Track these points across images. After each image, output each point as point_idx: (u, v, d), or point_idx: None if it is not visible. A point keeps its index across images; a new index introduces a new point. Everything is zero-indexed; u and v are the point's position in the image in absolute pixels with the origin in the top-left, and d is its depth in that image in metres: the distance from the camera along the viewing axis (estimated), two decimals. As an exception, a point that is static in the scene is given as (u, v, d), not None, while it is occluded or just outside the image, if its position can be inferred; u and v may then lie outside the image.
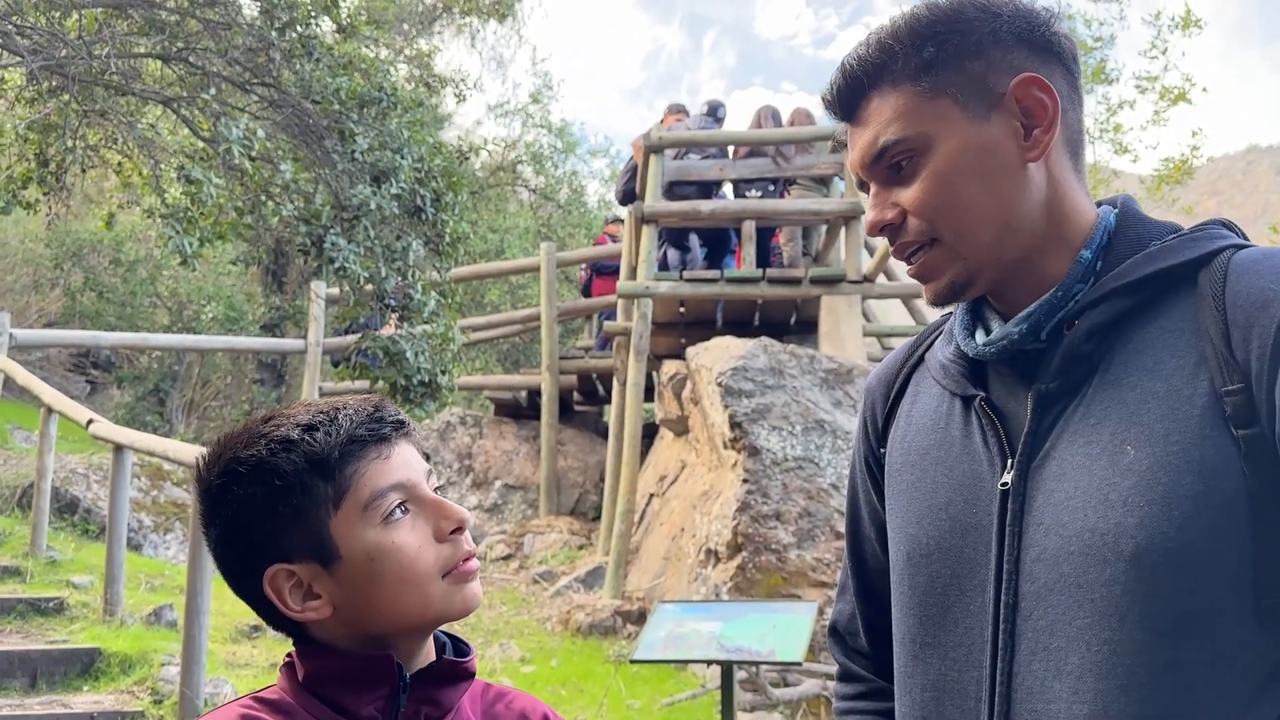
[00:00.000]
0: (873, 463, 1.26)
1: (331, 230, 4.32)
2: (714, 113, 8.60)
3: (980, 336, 1.13)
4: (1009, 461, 1.06)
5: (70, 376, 12.18)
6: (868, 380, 1.33)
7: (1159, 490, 0.94)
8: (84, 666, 5.22)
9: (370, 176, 4.41)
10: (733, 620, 3.72)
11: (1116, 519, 0.95)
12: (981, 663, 1.05)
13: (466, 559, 1.07)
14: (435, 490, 1.10)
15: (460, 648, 1.14)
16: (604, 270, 10.58)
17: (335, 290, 9.73)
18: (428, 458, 1.14)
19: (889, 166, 1.06)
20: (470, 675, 1.11)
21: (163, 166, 4.68)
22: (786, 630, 3.59)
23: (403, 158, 4.45)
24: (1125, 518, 0.95)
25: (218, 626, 5.84)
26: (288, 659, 1.10)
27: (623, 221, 10.69)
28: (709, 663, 3.82)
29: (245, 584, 1.08)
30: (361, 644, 1.06)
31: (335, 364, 10.32)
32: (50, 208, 5.25)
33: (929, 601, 1.10)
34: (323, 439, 1.04)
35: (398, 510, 1.04)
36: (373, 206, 4.36)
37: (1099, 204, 1.13)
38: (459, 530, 1.06)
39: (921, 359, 1.25)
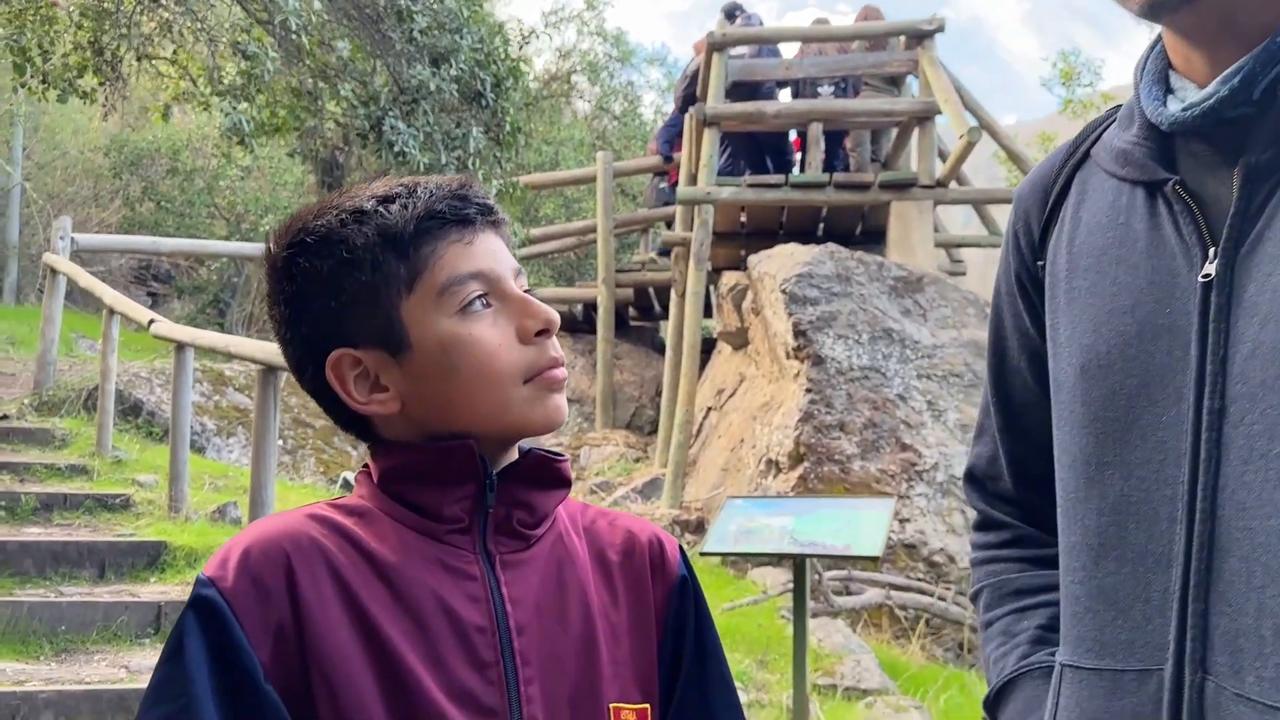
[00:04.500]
0: (1025, 280, 1.10)
1: (390, 113, 4.18)
2: (731, 17, 8.20)
3: (1174, 105, 0.96)
4: (1211, 251, 0.89)
5: (132, 289, 12.31)
6: (1018, 189, 1.16)
7: None
8: (150, 559, 5.28)
9: (429, 58, 4.24)
10: (805, 515, 3.59)
11: None
12: (1176, 479, 0.89)
13: (552, 366, 0.95)
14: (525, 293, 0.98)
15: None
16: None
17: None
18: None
19: None
20: (566, 482, 0.99)
21: (220, 47, 4.54)
22: (863, 526, 3.46)
23: (461, 38, 4.27)
24: None
25: (280, 525, 5.86)
26: (364, 466, 0.98)
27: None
28: (781, 557, 3.71)
29: (309, 373, 0.97)
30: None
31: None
32: (106, 98, 5.17)
33: (1109, 416, 0.94)
34: (398, 212, 0.93)
35: (477, 302, 0.93)
36: (432, 89, 4.19)
37: None
38: (545, 333, 0.95)
39: (1086, 155, 1.08)
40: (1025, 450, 1.12)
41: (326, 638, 0.87)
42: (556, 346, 0.97)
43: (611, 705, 0.96)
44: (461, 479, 0.93)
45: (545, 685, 0.93)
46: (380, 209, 0.93)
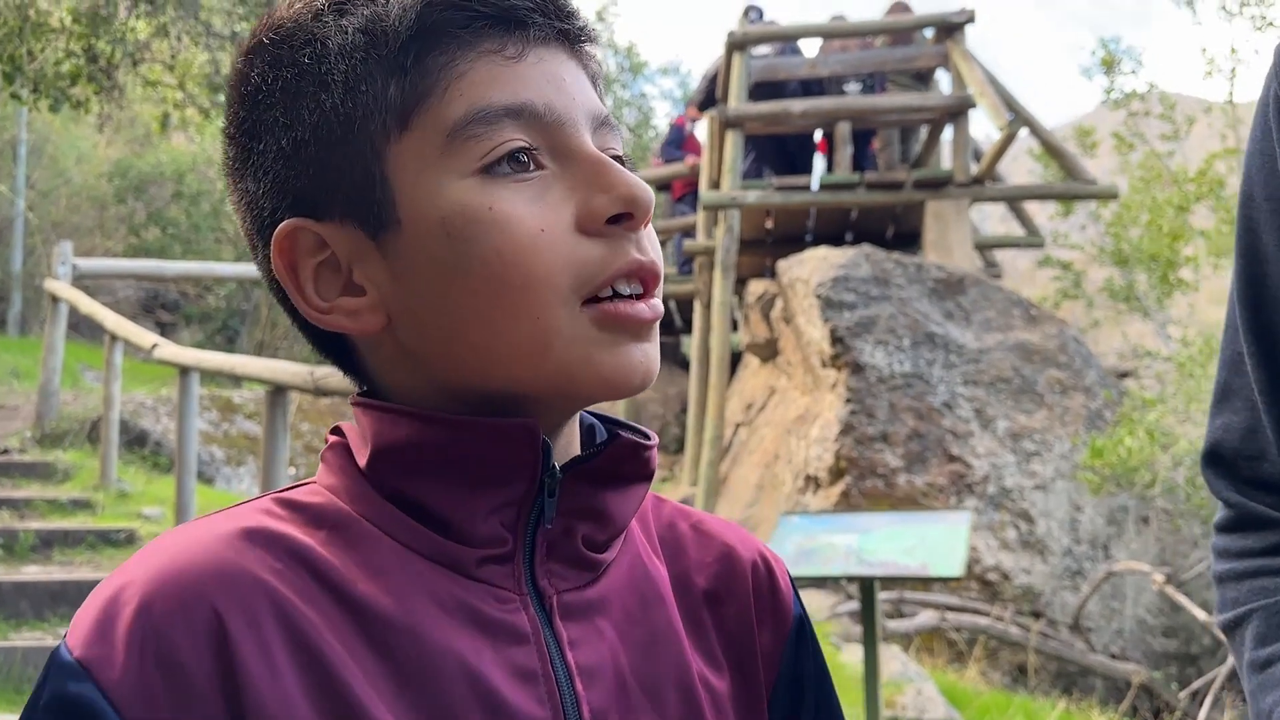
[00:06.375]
0: None
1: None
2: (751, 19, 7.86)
3: None
4: None
5: (140, 318, 12.08)
6: None
7: None
8: (156, 597, 4.96)
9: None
10: (872, 533, 3.24)
11: None
12: None
13: (634, 275, 0.56)
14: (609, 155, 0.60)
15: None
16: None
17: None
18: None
19: None
20: (650, 475, 0.62)
21: (219, 42, 4.27)
22: (938, 542, 3.10)
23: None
24: None
25: (293, 557, 5.55)
26: (334, 435, 0.61)
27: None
28: (849, 579, 3.34)
29: (260, 254, 0.61)
30: (443, 403, 0.58)
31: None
32: (102, 108, 4.90)
33: None
34: None
35: (511, 160, 0.55)
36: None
37: None
38: (628, 220, 0.56)
39: None
40: None
41: None
42: (648, 246, 0.58)
43: None
44: (505, 475, 0.57)
45: None
46: None
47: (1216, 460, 0.90)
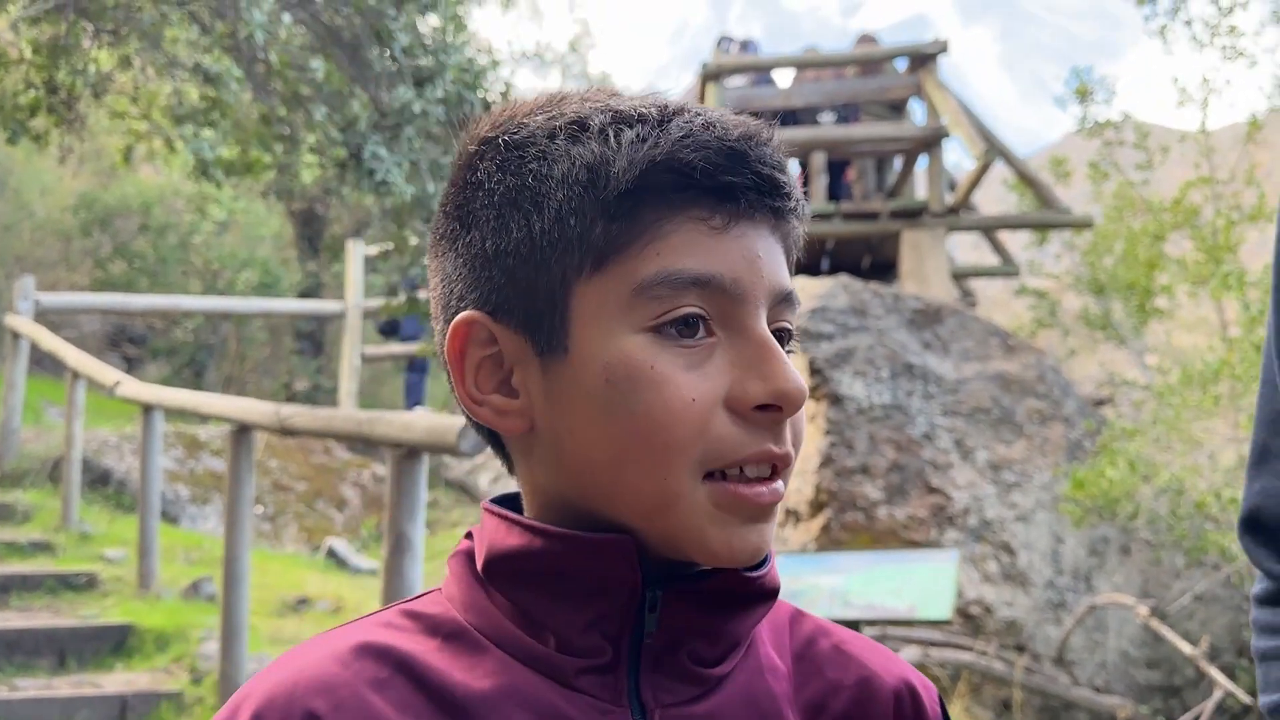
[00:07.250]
0: None
1: (371, 139, 3.78)
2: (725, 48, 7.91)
3: None
4: None
5: (106, 353, 11.86)
6: None
7: None
8: (116, 643, 4.79)
9: (413, 80, 3.87)
10: (858, 574, 3.16)
11: None
12: None
13: (763, 462, 0.59)
14: (786, 339, 0.63)
15: None
16: None
17: (373, 250, 9.23)
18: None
19: None
20: (771, 594, 0.64)
21: (182, 73, 4.16)
22: (926, 583, 3.02)
23: (448, 56, 3.90)
24: None
25: (261, 600, 5.38)
26: (466, 538, 0.66)
27: None
28: (835, 622, 3.24)
29: (441, 327, 0.67)
30: (569, 519, 0.62)
31: (381, 330, 9.88)
32: (63, 139, 4.78)
33: None
34: (629, 146, 0.59)
35: (680, 326, 0.59)
36: (416, 111, 3.80)
37: None
38: (775, 410, 0.59)
39: None
40: None
41: None
42: (787, 437, 0.60)
43: None
44: (604, 588, 0.60)
45: None
46: (610, 131, 0.60)
47: (1256, 527, 0.83)
